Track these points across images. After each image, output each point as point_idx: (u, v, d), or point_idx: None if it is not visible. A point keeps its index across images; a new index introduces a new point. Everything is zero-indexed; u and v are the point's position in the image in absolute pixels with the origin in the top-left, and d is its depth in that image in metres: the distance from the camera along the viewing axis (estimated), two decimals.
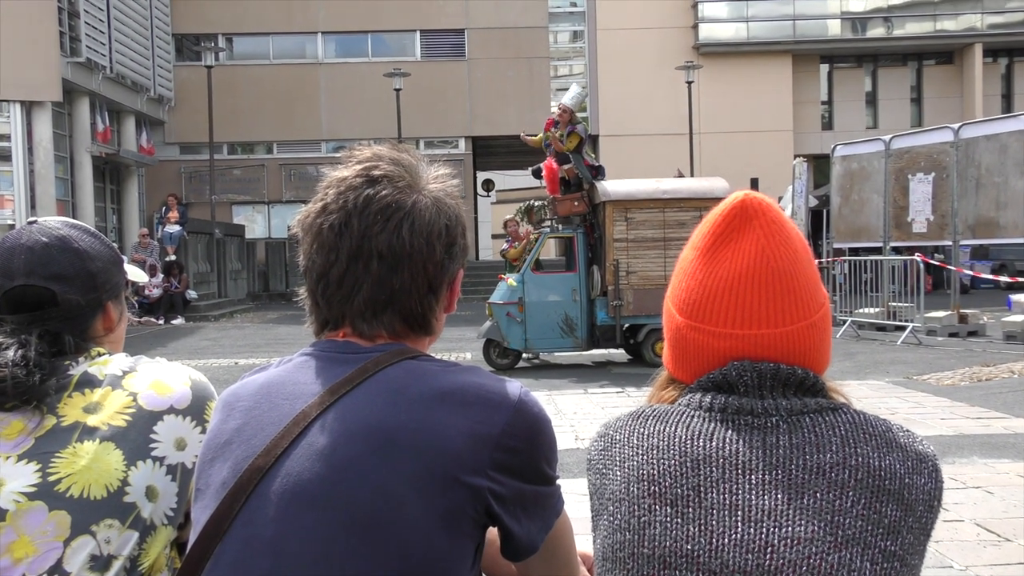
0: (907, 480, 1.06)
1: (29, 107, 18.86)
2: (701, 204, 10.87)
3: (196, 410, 1.45)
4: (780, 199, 16.85)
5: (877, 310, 14.26)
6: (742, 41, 29.52)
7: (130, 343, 1.61)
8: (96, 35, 21.79)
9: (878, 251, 14.57)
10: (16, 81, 17.84)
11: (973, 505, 4.96)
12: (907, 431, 1.13)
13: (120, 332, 1.59)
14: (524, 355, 11.49)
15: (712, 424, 1.11)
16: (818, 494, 1.04)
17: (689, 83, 24.98)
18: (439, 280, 1.24)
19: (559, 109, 11.37)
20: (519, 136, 12.36)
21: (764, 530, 1.03)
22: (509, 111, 27.68)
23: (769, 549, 1.02)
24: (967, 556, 4.17)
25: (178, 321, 18.85)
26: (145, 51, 25.36)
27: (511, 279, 11.22)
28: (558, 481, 1.22)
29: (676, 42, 28.97)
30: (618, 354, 11.93)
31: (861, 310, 14.36)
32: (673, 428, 1.12)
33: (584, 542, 1.27)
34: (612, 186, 11.24)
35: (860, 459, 1.06)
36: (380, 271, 1.19)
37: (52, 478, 1.32)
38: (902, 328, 13.13)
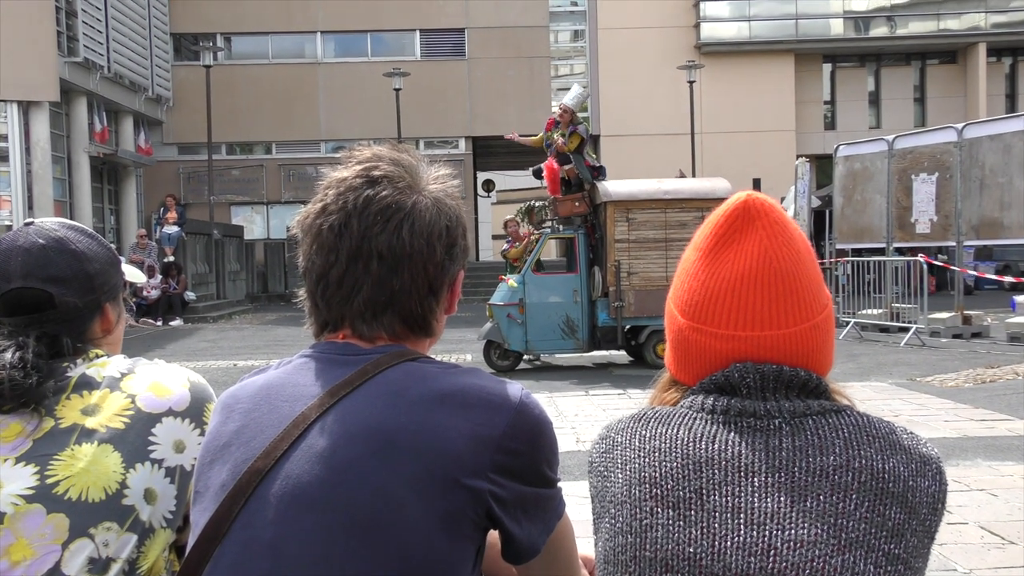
0: (911, 483, 1.06)
1: (26, 107, 18.83)
2: (703, 205, 10.84)
3: (195, 412, 1.44)
4: (782, 199, 16.86)
5: (880, 311, 14.25)
6: (744, 40, 29.51)
7: (128, 345, 1.61)
8: (94, 35, 21.77)
9: (881, 252, 14.55)
10: (13, 81, 17.81)
11: (977, 508, 4.95)
12: (911, 433, 1.12)
13: (118, 334, 1.59)
14: (525, 357, 11.48)
15: (714, 426, 1.10)
16: (821, 497, 1.04)
17: (691, 83, 24.98)
18: (439, 281, 1.23)
19: (560, 109, 11.36)
20: (511, 136, 12.26)
21: (767, 533, 1.02)
22: (509, 111, 27.66)
23: (772, 552, 1.01)
24: (971, 559, 4.17)
25: (176, 322, 18.86)
26: (143, 51, 25.34)
27: (512, 280, 11.20)
28: (559, 483, 1.21)
29: (678, 41, 28.97)
30: (619, 356, 11.92)
31: (864, 311, 14.34)
32: (675, 430, 1.12)
33: (585, 545, 1.26)
34: (613, 186, 11.22)
35: (864, 462, 1.06)
36: (380, 272, 1.18)
37: (50, 480, 1.31)
38: (905, 329, 13.11)
